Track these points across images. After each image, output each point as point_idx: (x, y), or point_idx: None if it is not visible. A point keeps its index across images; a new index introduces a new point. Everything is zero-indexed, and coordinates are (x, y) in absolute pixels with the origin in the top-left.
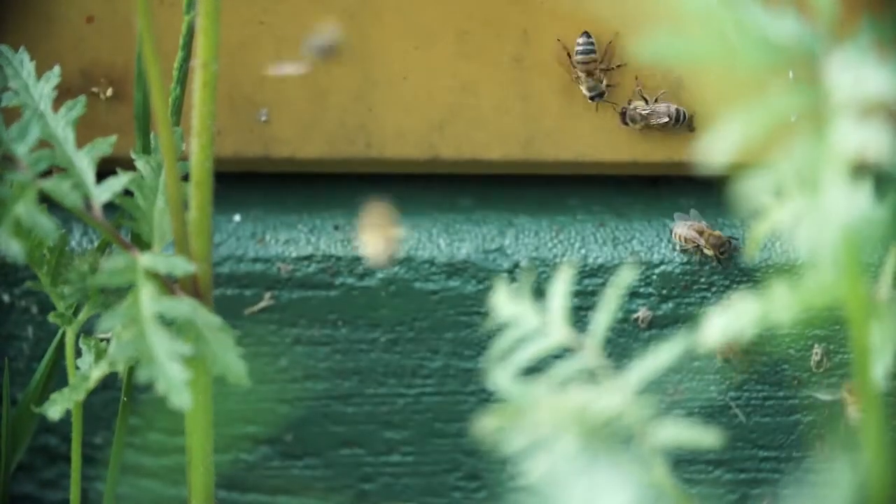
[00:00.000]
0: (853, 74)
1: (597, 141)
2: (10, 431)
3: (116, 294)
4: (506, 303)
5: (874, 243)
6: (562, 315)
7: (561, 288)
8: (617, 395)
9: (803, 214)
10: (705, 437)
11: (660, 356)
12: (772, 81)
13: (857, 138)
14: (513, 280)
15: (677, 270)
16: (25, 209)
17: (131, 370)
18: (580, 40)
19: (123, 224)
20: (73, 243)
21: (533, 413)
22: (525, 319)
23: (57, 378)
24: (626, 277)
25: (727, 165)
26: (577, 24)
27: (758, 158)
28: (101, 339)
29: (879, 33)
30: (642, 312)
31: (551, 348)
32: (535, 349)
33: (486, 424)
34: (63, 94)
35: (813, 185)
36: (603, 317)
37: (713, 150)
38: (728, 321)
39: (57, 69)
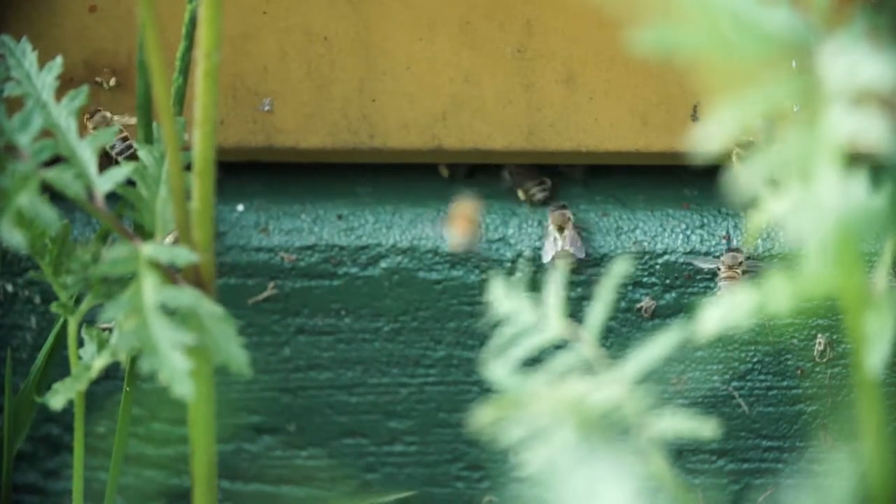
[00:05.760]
0: (846, 63)
1: (599, 131)
2: (11, 420)
3: (119, 284)
4: (503, 298)
5: (871, 233)
6: (558, 308)
7: (557, 280)
8: (614, 386)
9: (798, 204)
10: (703, 427)
11: (656, 347)
12: (767, 71)
13: (851, 127)
14: (514, 270)
15: (681, 260)
16: (28, 199)
17: (134, 360)
18: None
19: (126, 214)
20: (76, 233)
21: (530, 405)
22: (521, 314)
23: (59, 368)
24: (621, 268)
25: (722, 155)
26: (580, 15)
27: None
28: (104, 329)
29: (873, 21)
30: (646, 302)
31: (548, 342)
32: (532, 343)
33: (483, 417)
34: (66, 84)
35: (807, 174)
36: (599, 308)
37: (707, 139)
38: (725, 312)
39: (59, 59)
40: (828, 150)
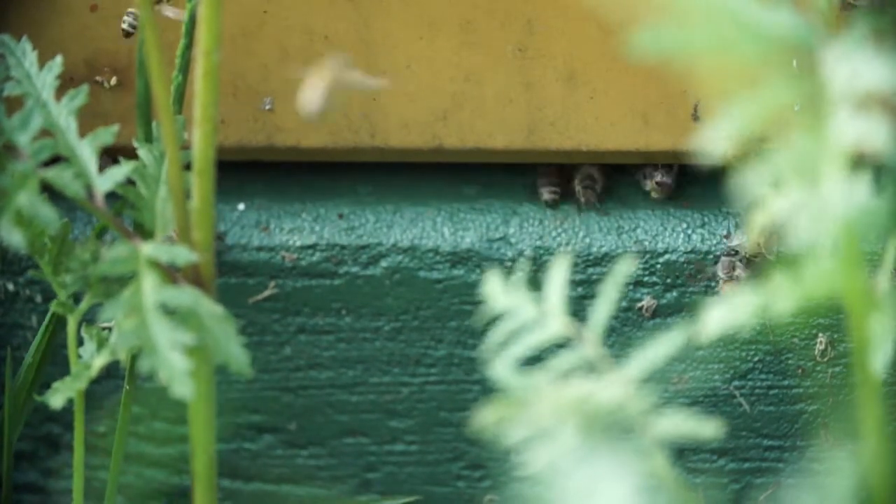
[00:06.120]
0: (850, 66)
1: (600, 130)
2: (10, 418)
3: (118, 283)
4: (500, 293)
5: (874, 234)
6: (560, 305)
7: (559, 277)
8: (616, 386)
9: (801, 206)
10: (705, 427)
11: (659, 347)
12: (770, 73)
13: (854, 130)
14: (515, 269)
15: (681, 259)
16: (27, 199)
17: (134, 359)
18: None
19: (125, 213)
20: (77, 232)
21: (532, 404)
22: (521, 310)
23: (59, 367)
24: (625, 267)
25: (726, 155)
26: (581, 14)
27: (759, 148)
28: (104, 328)
29: (876, 24)
30: (647, 301)
31: (550, 339)
32: (534, 340)
33: (485, 416)
34: (66, 83)
35: (810, 176)
36: (603, 307)
37: (710, 140)
38: (726, 313)
39: (59, 58)
40: (832, 153)
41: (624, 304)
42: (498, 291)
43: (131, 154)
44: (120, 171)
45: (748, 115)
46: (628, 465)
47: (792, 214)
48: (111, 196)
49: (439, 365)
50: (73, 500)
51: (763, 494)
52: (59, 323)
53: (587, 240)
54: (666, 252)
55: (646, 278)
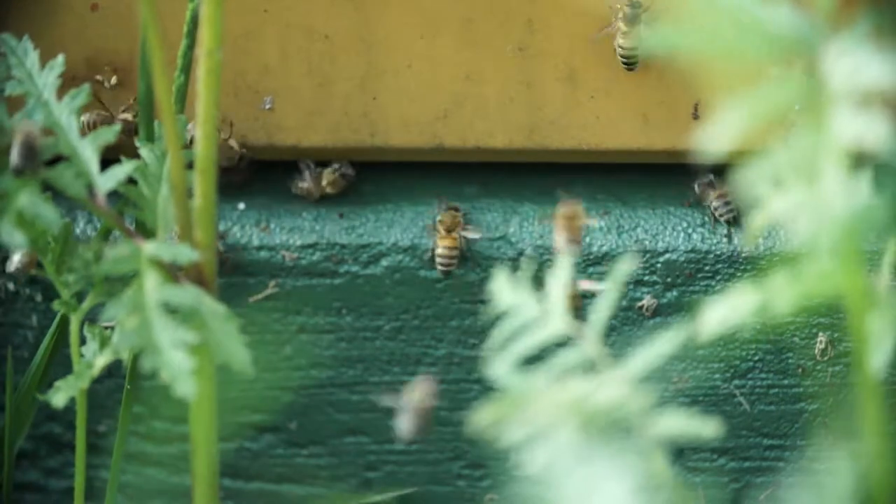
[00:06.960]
0: (851, 63)
1: (600, 129)
2: (12, 418)
3: (121, 282)
4: (506, 291)
5: (874, 232)
6: (561, 304)
7: (561, 276)
8: (616, 385)
9: (802, 204)
10: (705, 427)
11: (659, 346)
12: (771, 71)
13: (855, 127)
14: (516, 268)
15: (682, 259)
16: (28, 199)
17: (135, 358)
18: None
19: (127, 212)
20: (78, 231)
21: (531, 404)
22: (524, 308)
23: (61, 366)
24: (626, 267)
25: (727, 154)
26: (581, 13)
27: (760, 146)
28: (106, 327)
29: (878, 22)
30: (647, 301)
31: (551, 338)
32: (535, 339)
33: (484, 416)
34: (67, 82)
35: (811, 175)
36: (603, 306)
37: (712, 138)
38: (727, 311)
39: (61, 58)
40: (832, 151)
41: (624, 303)
42: (504, 289)
43: (131, 153)
44: (121, 171)
45: (748, 113)
46: (628, 464)
47: (792, 213)
48: (113, 195)
49: (440, 364)
50: (74, 499)
51: (763, 494)
52: (64, 322)
53: (587, 239)
54: (666, 251)
55: (646, 277)
